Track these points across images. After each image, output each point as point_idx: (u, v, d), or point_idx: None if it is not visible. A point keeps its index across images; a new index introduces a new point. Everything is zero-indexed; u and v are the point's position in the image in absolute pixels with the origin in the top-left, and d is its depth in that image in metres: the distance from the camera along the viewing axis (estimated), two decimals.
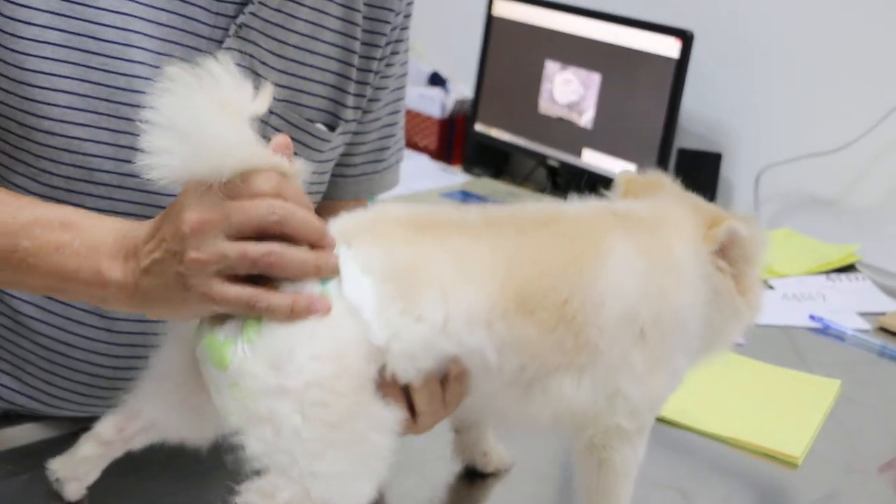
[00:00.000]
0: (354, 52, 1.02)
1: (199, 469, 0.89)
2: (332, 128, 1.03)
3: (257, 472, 0.72)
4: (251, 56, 0.94)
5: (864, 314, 1.56)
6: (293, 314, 0.72)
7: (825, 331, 1.50)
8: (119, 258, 0.76)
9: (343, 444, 0.72)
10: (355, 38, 1.01)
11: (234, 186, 0.71)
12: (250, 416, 0.71)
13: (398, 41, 1.07)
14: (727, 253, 0.84)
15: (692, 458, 1.11)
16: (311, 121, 1.01)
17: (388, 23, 1.04)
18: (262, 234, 0.72)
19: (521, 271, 0.76)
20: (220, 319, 0.74)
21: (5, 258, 0.78)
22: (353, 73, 1.02)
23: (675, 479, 1.05)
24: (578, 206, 0.85)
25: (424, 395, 0.76)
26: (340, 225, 0.78)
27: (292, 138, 0.99)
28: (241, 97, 0.72)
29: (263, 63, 0.95)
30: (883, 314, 1.55)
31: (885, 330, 1.51)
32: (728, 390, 1.26)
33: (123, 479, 0.91)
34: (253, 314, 0.72)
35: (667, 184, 0.91)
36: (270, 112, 0.97)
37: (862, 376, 1.36)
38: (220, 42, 0.92)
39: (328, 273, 0.73)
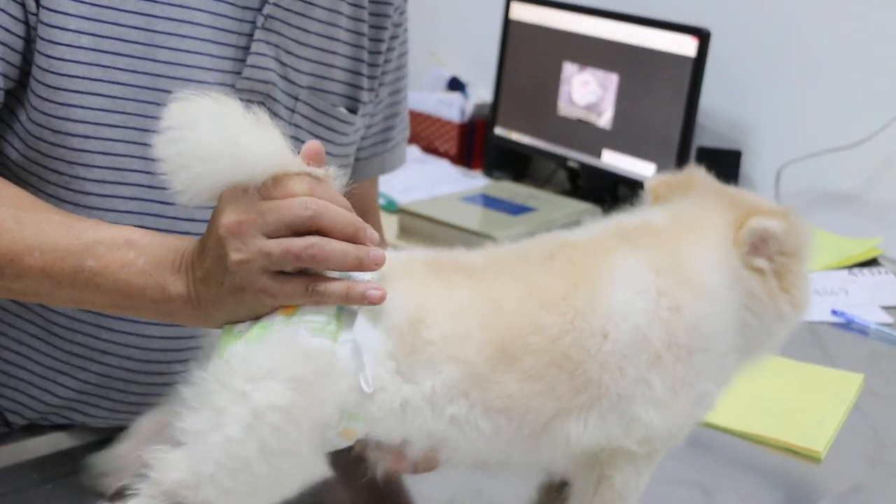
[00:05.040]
0: (364, 35, 1.05)
1: None
2: (353, 111, 1.06)
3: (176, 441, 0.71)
4: (277, 46, 0.97)
5: (887, 308, 1.54)
6: (348, 298, 0.72)
7: (848, 325, 1.49)
8: (181, 273, 0.77)
9: (261, 473, 0.70)
10: (364, 21, 1.05)
11: (269, 189, 0.72)
12: (205, 397, 0.71)
13: (398, 25, 1.10)
14: (763, 251, 0.78)
15: (713, 455, 1.11)
16: (335, 105, 1.04)
17: (390, 4, 1.07)
18: (298, 233, 0.72)
19: (507, 317, 0.74)
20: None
21: (72, 278, 0.79)
22: (366, 56, 1.06)
23: (695, 476, 1.05)
24: (585, 230, 0.82)
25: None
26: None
27: (319, 124, 1.03)
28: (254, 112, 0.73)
29: (289, 52, 0.98)
30: None
31: None
32: (750, 386, 1.25)
33: None
34: (311, 301, 0.73)
35: (699, 180, 0.85)
36: (297, 99, 1.00)
37: (885, 370, 1.35)
38: (250, 35, 0.94)
39: (370, 265, 0.73)
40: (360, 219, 0.75)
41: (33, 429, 1.03)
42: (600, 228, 0.82)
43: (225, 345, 0.73)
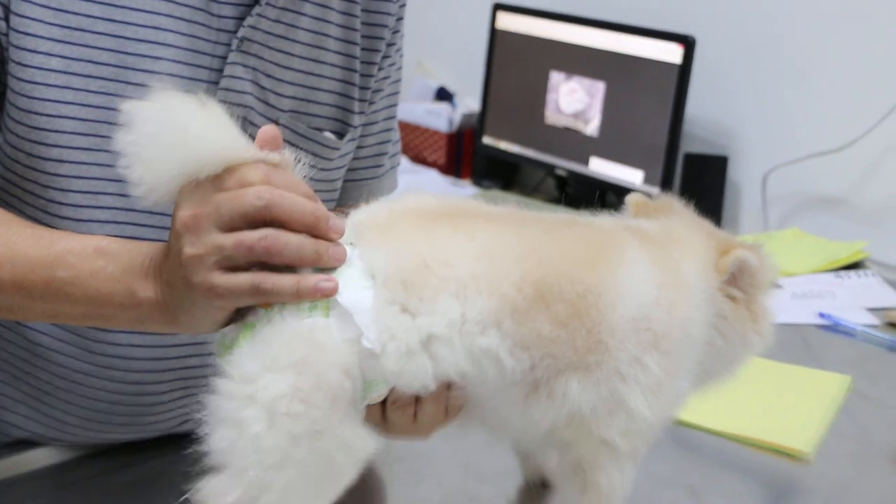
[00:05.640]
0: (356, 58, 1.02)
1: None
2: (340, 135, 1.03)
3: (214, 469, 0.70)
4: (254, 69, 0.95)
5: (872, 310, 1.55)
6: (298, 294, 0.70)
7: (835, 327, 1.50)
8: (150, 278, 0.76)
9: (304, 460, 0.70)
10: (356, 44, 1.02)
11: (222, 180, 0.70)
12: (218, 414, 0.70)
13: (391, 44, 1.07)
14: (737, 281, 0.83)
15: (702, 456, 1.12)
16: (320, 129, 1.01)
17: (385, 26, 1.05)
18: (256, 224, 0.70)
19: (544, 263, 0.75)
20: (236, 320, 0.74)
21: (43, 290, 0.79)
22: (357, 79, 1.03)
23: (684, 477, 1.06)
24: (595, 218, 0.85)
25: (428, 406, 0.75)
26: (354, 219, 0.77)
27: (301, 148, 0.99)
28: (212, 103, 0.72)
29: (269, 76, 0.96)
30: (892, 309, 1.55)
31: (894, 325, 1.50)
32: (738, 388, 1.25)
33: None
34: (260, 299, 0.71)
35: (677, 208, 0.89)
36: (277, 123, 0.97)
37: (872, 371, 1.35)
38: (224, 58, 0.93)
39: (330, 261, 0.72)
40: (321, 207, 0.72)
41: (19, 444, 1.02)
42: (607, 219, 0.86)
43: (220, 358, 0.73)
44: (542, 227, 0.79)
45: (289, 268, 0.73)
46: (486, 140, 2.27)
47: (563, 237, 0.79)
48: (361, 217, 0.77)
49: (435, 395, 0.75)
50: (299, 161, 0.74)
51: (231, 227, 0.70)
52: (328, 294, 0.71)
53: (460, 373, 0.74)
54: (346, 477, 0.74)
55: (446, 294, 0.72)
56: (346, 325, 0.71)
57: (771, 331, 0.86)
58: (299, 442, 0.70)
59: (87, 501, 0.95)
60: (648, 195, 0.92)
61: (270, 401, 0.69)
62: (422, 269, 0.73)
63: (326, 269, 0.73)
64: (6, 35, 0.86)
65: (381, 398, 0.74)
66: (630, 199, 0.92)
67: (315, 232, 0.72)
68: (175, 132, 0.70)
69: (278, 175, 0.72)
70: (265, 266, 0.72)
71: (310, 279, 0.71)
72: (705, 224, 0.89)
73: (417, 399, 0.75)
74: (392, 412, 0.76)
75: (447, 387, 0.75)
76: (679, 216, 0.88)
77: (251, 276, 0.71)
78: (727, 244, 0.85)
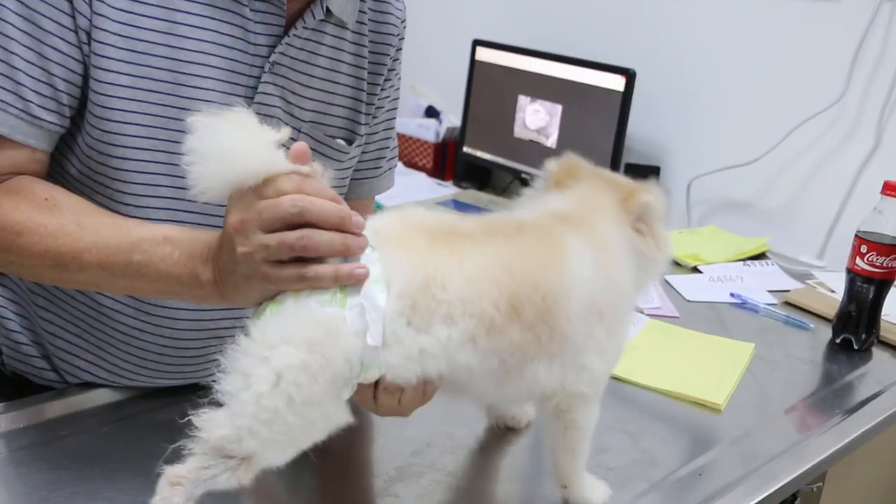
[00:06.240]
0: (364, 80, 1.03)
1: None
2: (349, 142, 1.04)
3: (216, 405, 0.69)
4: (282, 87, 0.95)
5: (772, 291, 1.56)
6: (337, 280, 0.70)
7: (743, 305, 1.50)
8: (208, 263, 0.76)
9: (291, 422, 0.68)
10: (364, 69, 1.03)
11: (263, 189, 0.70)
12: (234, 363, 0.69)
13: (391, 70, 1.08)
14: (642, 217, 0.83)
15: (637, 407, 1.12)
16: (333, 137, 1.02)
17: (387, 55, 1.05)
18: (294, 226, 0.70)
19: (515, 277, 0.73)
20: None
21: (123, 270, 0.79)
22: (364, 97, 1.03)
23: (624, 424, 1.06)
24: (531, 214, 0.82)
25: (410, 393, 0.75)
26: (373, 225, 0.75)
27: (318, 152, 1.00)
28: (257, 123, 0.70)
29: (293, 93, 0.96)
30: (787, 291, 1.56)
31: (789, 304, 1.51)
32: (666, 353, 1.27)
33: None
34: (306, 285, 0.70)
35: (582, 165, 0.87)
36: (300, 132, 0.98)
37: (771, 340, 1.36)
38: (258, 78, 0.92)
39: (356, 249, 0.71)
40: (345, 208, 0.72)
41: (86, 385, 1.02)
42: (536, 211, 0.82)
43: (250, 321, 0.72)
44: (504, 238, 0.76)
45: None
46: (466, 149, 2.26)
47: (521, 245, 0.76)
48: (379, 224, 0.75)
49: (416, 385, 0.74)
50: (326, 170, 0.74)
51: (272, 229, 0.70)
52: (362, 279, 0.70)
53: (439, 375, 0.74)
54: (317, 438, 0.72)
55: (439, 318, 0.71)
56: (358, 320, 0.70)
57: (671, 249, 0.86)
58: (293, 407, 0.68)
59: (137, 432, 0.95)
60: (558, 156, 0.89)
61: (281, 367, 0.68)
62: (425, 290, 0.71)
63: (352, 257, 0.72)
64: (89, 57, 0.86)
65: (373, 381, 0.73)
66: (550, 169, 0.88)
67: (341, 229, 0.71)
68: (224, 150, 0.69)
69: (308, 183, 0.71)
70: (302, 258, 0.71)
71: (346, 267, 0.70)
72: (605, 175, 0.87)
73: (402, 387, 0.74)
74: (383, 396, 0.75)
75: (427, 380, 0.74)
76: (584, 177, 0.86)
77: (297, 268, 0.71)
78: (627, 189, 0.84)
